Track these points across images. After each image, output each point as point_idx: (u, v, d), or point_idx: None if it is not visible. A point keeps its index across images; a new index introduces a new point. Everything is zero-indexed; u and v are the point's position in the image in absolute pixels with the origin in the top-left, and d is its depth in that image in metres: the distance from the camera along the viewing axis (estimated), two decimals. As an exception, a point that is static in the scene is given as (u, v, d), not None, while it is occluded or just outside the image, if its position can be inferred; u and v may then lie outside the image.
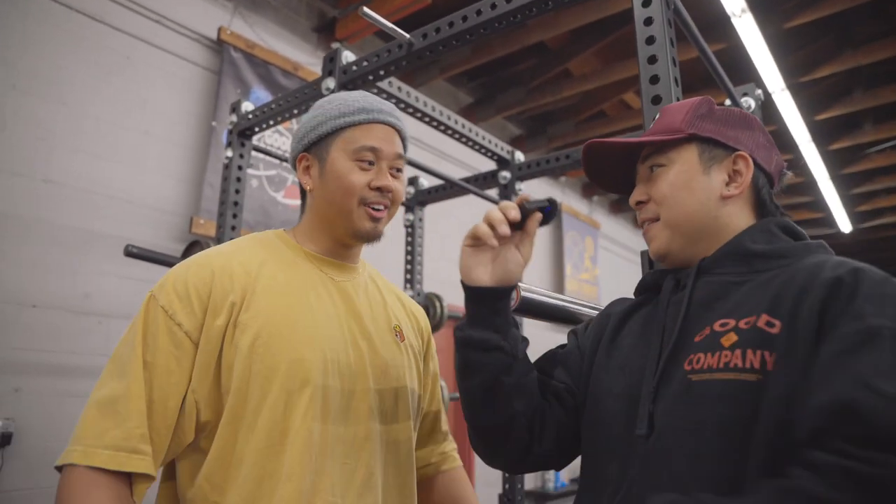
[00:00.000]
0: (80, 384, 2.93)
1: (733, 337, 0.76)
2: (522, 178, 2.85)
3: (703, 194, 0.89)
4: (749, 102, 2.17)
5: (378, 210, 1.11)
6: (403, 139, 1.18)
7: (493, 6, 1.61)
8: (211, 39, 3.79)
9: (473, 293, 0.92)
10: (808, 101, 5.47)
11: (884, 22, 4.75)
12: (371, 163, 1.10)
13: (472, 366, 0.92)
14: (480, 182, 2.99)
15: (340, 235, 1.13)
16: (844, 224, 8.31)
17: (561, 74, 5.46)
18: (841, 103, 5.65)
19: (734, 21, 3.92)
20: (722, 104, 2.17)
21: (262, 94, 3.91)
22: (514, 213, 0.89)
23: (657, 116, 0.98)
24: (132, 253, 2.09)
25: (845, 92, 5.65)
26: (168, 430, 0.94)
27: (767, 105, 4.98)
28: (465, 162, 5.42)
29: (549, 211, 0.91)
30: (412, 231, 3.11)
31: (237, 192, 2.41)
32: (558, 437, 0.95)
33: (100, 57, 3.29)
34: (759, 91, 2.19)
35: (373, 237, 1.13)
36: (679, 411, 0.77)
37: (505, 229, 0.89)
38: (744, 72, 4.51)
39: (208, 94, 3.73)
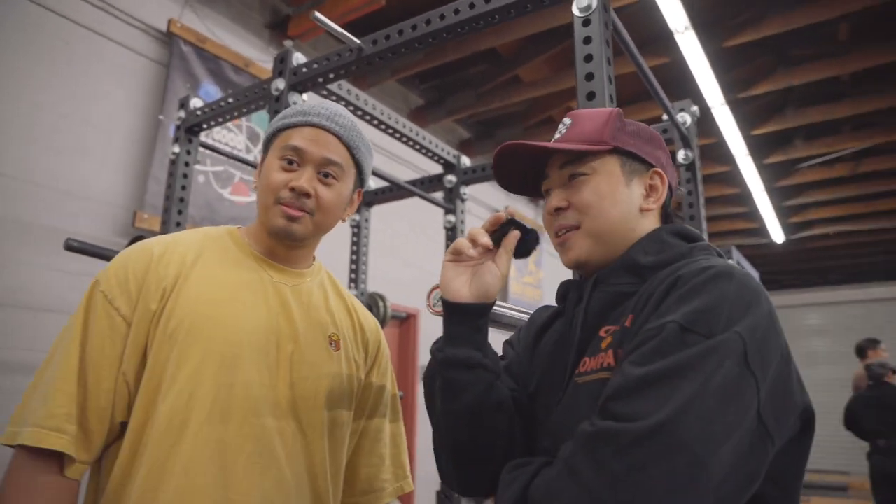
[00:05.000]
0: (9, 380, 2.84)
1: (609, 339, 0.81)
2: (468, 183, 2.91)
3: (625, 206, 0.90)
4: (685, 118, 2.28)
5: (295, 208, 1.09)
6: (349, 147, 1.15)
7: (442, 17, 1.66)
8: (160, 31, 3.73)
9: (453, 308, 0.91)
10: (745, 117, 5.72)
11: (815, 46, 5.03)
12: (293, 162, 1.09)
13: (457, 386, 0.89)
14: (427, 185, 3.04)
15: (268, 234, 1.13)
16: (777, 235, 8.70)
17: (511, 80, 5.56)
18: (775, 120, 5.93)
19: (677, 37, 4.08)
20: (659, 119, 2.29)
21: (211, 90, 3.87)
22: (486, 240, 0.92)
23: (568, 122, 0.97)
24: (72, 247, 2.06)
25: (779, 109, 5.93)
26: (104, 411, 0.97)
27: (707, 119, 5.20)
28: (415, 164, 5.47)
29: (529, 238, 0.94)
30: (358, 231, 3.14)
31: (183, 188, 2.39)
32: (527, 444, 0.92)
33: (39, 41, 3.18)
34: (696, 108, 2.31)
35: (285, 236, 1.10)
36: (568, 415, 0.81)
37: (486, 240, 0.91)
38: (685, 86, 4.70)
39: (156, 87, 3.67)
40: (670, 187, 0.95)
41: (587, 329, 0.87)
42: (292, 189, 1.08)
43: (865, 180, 7.34)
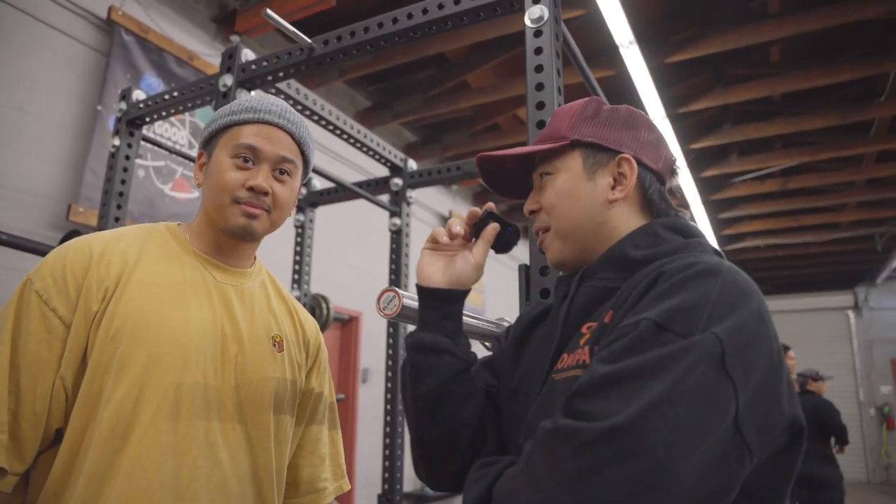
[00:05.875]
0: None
1: (587, 336, 0.77)
2: (414, 186, 2.92)
3: (587, 200, 0.87)
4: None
5: (254, 206, 1.08)
6: (300, 143, 1.15)
7: (395, 20, 1.67)
8: (100, 18, 3.59)
9: (424, 293, 0.93)
10: (685, 131, 5.92)
11: (750, 67, 5.28)
12: (248, 161, 1.08)
13: (422, 370, 0.89)
14: (373, 187, 3.04)
15: (219, 234, 1.12)
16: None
17: (458, 86, 5.61)
18: (712, 135, 6.17)
19: (622, 51, 4.20)
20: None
21: (153, 82, 3.76)
22: (461, 229, 0.95)
23: (547, 121, 0.99)
24: (1, 240, 1.97)
25: (716, 125, 6.18)
26: (39, 417, 0.93)
27: (648, 132, 5.34)
28: (360, 166, 5.44)
29: (510, 231, 0.96)
30: (302, 231, 3.11)
31: (123, 182, 2.32)
32: (499, 441, 0.91)
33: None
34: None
35: (245, 234, 1.10)
36: (542, 412, 0.77)
37: (458, 229, 0.94)
38: (630, 99, 4.83)
39: (94, 76, 3.54)
40: (651, 170, 0.90)
41: (569, 325, 0.84)
42: (251, 188, 1.07)
43: (793, 196, 7.74)
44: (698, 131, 6.18)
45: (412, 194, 2.92)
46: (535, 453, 0.64)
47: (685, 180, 6.56)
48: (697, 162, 6.59)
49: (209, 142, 1.15)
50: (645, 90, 4.72)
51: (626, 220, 0.88)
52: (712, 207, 7.86)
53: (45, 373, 0.94)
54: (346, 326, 5.74)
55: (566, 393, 0.68)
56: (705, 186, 7.17)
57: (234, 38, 4.31)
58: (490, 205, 0.97)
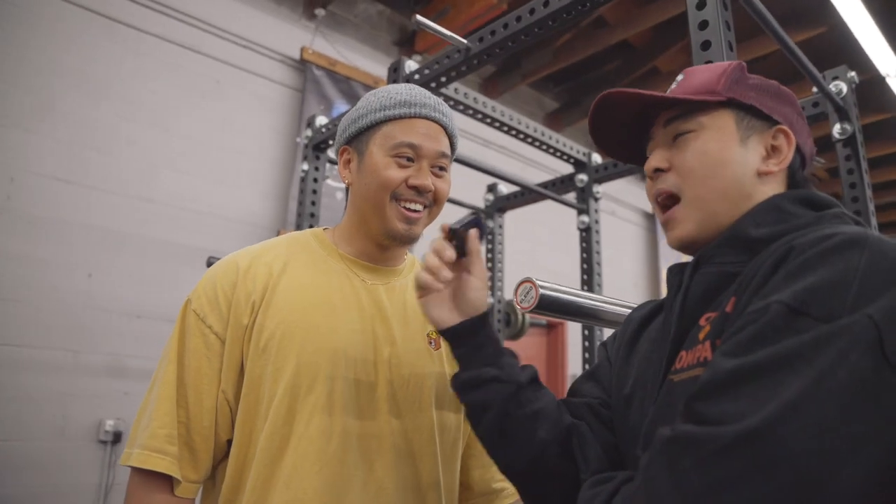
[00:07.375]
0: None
1: (707, 329, 0.67)
2: (600, 181, 2.77)
3: (738, 168, 0.76)
4: (840, 87, 2.00)
5: (413, 211, 1.05)
6: (451, 136, 1.10)
7: (546, 3, 1.58)
8: (294, 59, 3.96)
9: (449, 336, 0.90)
10: (930, 84, 4.98)
11: None
12: (410, 159, 1.04)
13: (475, 407, 0.86)
14: (558, 186, 2.93)
15: (375, 235, 1.09)
16: (981, 218, 7.51)
17: (648, 73, 5.28)
18: (969, 84, 5.11)
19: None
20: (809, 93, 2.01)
21: (343, 109, 4.04)
22: (450, 253, 0.89)
23: (680, 78, 0.86)
24: (212, 264, 2.22)
25: (973, 71, 5.11)
26: (208, 430, 0.97)
27: (879, 91, 4.60)
28: (550, 167, 5.35)
29: (480, 222, 0.91)
30: (492, 238, 3.09)
31: (313, 203, 2.49)
32: (606, 454, 0.83)
33: (193, 83, 3.53)
34: (853, 73, 2.02)
35: (406, 239, 1.07)
36: (661, 419, 0.69)
37: (446, 273, 0.89)
38: (851, 57, 4.17)
39: (293, 112, 3.90)
40: (801, 152, 0.80)
41: (686, 318, 0.74)
42: (414, 187, 1.04)
43: None
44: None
45: (599, 189, 2.78)
46: (653, 466, 0.55)
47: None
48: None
49: (356, 137, 1.11)
50: (872, 42, 4.04)
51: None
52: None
53: (207, 387, 0.98)
54: (552, 333, 5.67)
55: (683, 395, 0.59)
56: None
57: (415, 58, 4.50)
58: (444, 225, 0.90)
